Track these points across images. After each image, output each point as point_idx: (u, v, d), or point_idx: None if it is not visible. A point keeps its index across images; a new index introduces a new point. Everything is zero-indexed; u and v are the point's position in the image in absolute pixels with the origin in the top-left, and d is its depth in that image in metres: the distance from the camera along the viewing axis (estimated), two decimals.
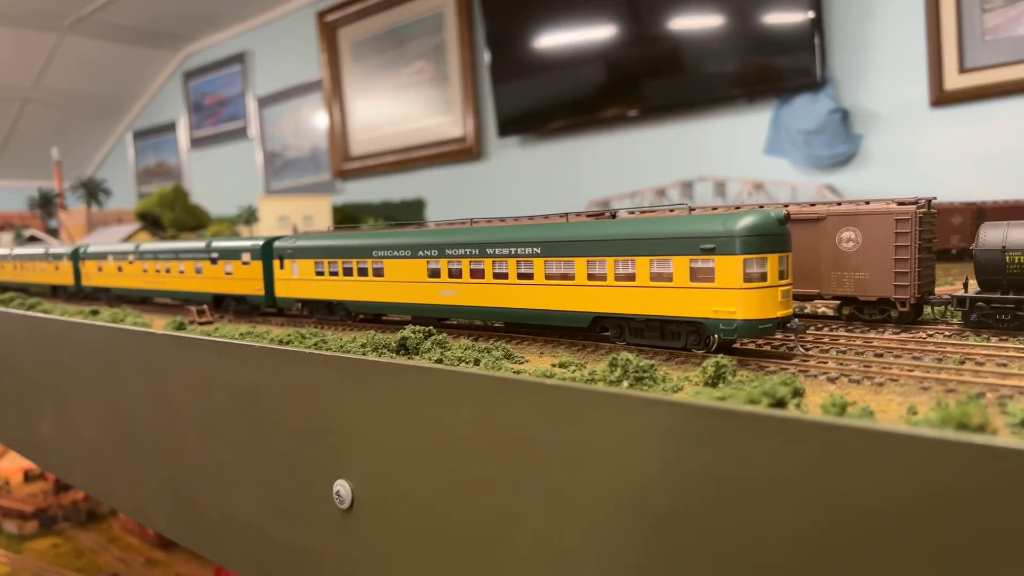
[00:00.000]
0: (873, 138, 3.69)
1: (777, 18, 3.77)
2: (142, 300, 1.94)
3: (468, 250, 1.16)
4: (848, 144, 3.72)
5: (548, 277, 1.08)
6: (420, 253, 1.23)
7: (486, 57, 4.99)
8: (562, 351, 1.09)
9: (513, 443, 0.66)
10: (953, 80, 3.42)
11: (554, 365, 0.86)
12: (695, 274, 0.92)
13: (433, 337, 0.97)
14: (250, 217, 2.77)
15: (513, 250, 1.11)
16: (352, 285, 1.33)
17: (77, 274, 2.14)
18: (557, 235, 1.08)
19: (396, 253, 1.26)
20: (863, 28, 3.65)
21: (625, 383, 0.74)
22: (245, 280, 1.50)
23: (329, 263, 1.36)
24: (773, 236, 0.91)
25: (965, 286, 1.07)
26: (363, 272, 1.32)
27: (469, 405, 0.68)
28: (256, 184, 7.05)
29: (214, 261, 1.57)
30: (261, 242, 1.49)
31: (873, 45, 3.64)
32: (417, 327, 0.98)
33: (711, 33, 4.00)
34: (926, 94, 3.49)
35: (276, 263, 1.46)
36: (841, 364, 0.93)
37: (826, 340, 1.06)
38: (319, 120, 6.44)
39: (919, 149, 3.55)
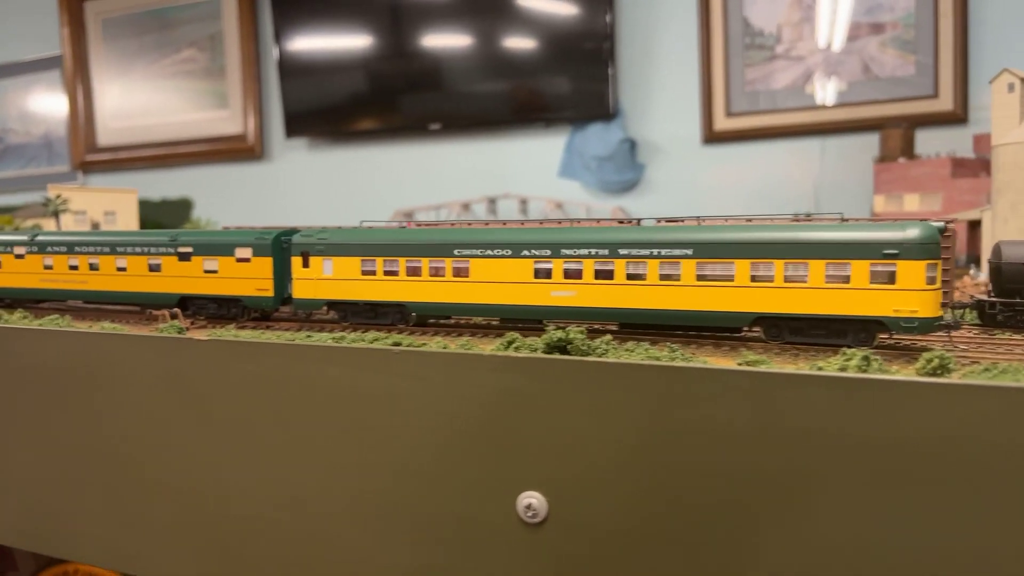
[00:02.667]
0: (654, 168, 4.15)
1: (576, 51, 4.08)
2: (32, 303, 1.53)
3: (594, 251, 1.14)
4: (634, 172, 4.14)
5: (700, 279, 1.10)
6: (525, 253, 1.16)
7: (274, 52, 4.73)
8: (713, 351, 1.09)
9: (798, 439, 0.67)
10: (721, 122, 3.97)
11: (740, 364, 0.87)
12: (875, 277, 1.00)
13: (603, 338, 0.93)
14: (58, 208, 2.33)
15: (655, 251, 1.11)
16: (420, 286, 1.21)
17: None
18: (713, 237, 1.10)
19: (489, 252, 1.18)
20: (647, 69, 4.09)
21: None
22: (240, 280, 1.28)
23: (385, 262, 1.22)
24: (938, 245, 1.03)
25: (989, 293, 1.30)
26: (437, 272, 1.21)
27: (741, 402, 0.69)
28: None
29: (184, 257, 1.32)
30: (270, 236, 1.29)
31: (655, 85, 4.10)
32: (577, 328, 0.91)
33: (515, 57, 4.20)
34: (699, 132, 4.01)
35: (297, 260, 1.28)
36: (978, 355, 1.03)
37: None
38: (57, 103, 5.58)
39: (693, 180, 4.06)
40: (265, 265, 1.27)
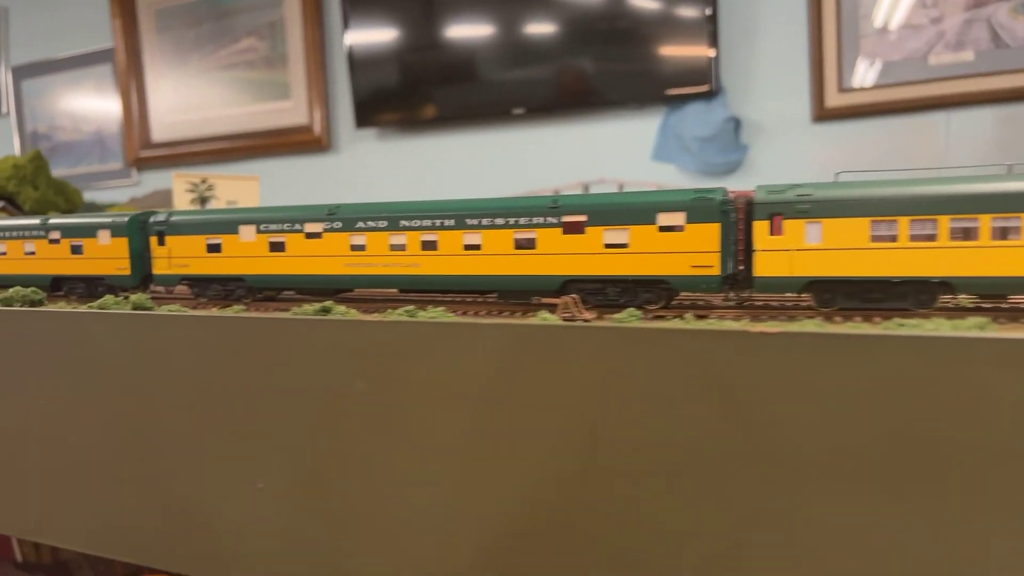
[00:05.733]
0: (758, 148, 3.90)
1: (675, 23, 3.84)
2: (328, 294, 1.20)
3: None
4: (738, 153, 3.89)
5: None
6: None
7: (343, 38, 4.50)
8: None
9: None
10: (833, 98, 3.73)
11: None
12: None
13: None
14: (204, 195, 2.11)
15: None
16: (974, 254, 0.87)
17: (141, 259, 1.26)
18: None
19: None
20: (751, 42, 3.84)
21: None
22: (665, 256, 0.99)
23: (913, 223, 0.89)
24: None
25: None
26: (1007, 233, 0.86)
27: None
28: None
29: (574, 228, 1.03)
30: (715, 195, 1.00)
31: (760, 59, 3.85)
32: None
33: (607, 34, 3.96)
34: (808, 109, 3.77)
35: (762, 225, 0.96)
36: None
37: None
38: (108, 98, 5.37)
39: (800, 161, 3.82)
40: (706, 234, 0.99)
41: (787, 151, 3.85)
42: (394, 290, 1.17)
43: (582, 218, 1.03)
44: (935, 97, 3.56)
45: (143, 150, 5.27)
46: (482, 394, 0.74)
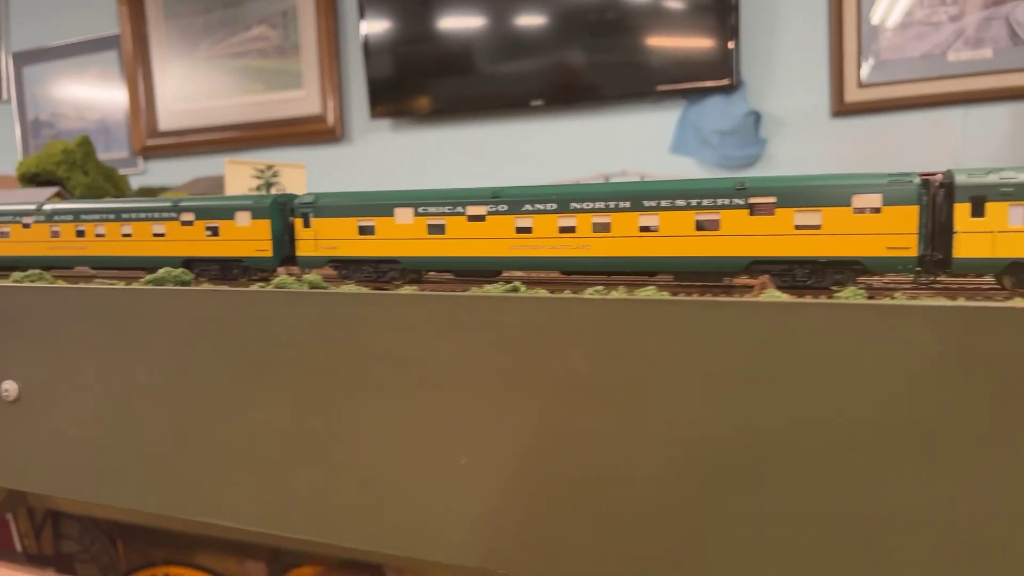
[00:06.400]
0: (776, 143, 3.96)
1: (696, 17, 3.89)
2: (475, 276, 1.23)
3: None
4: (757, 147, 3.95)
5: None
6: None
7: (359, 27, 4.48)
8: None
9: None
10: (852, 93, 3.80)
11: None
12: None
13: None
14: (270, 181, 2.11)
15: None
16: None
17: (281, 240, 1.26)
18: None
19: None
20: (771, 37, 3.90)
21: None
22: (856, 237, 0.96)
23: None
24: None
25: None
26: None
27: None
28: (11, 161, 5.58)
29: (762, 209, 0.96)
30: (908, 178, 0.95)
31: (780, 56, 3.91)
32: None
33: (626, 26, 3.99)
34: (828, 104, 3.83)
35: (963, 208, 0.96)
36: None
37: None
38: (114, 85, 5.28)
39: (819, 156, 3.89)
40: (905, 216, 0.99)
41: (806, 146, 3.92)
42: (556, 272, 1.19)
43: (771, 200, 1.04)
44: (953, 93, 3.64)
45: (150, 139, 5.20)
46: (714, 374, 0.77)
